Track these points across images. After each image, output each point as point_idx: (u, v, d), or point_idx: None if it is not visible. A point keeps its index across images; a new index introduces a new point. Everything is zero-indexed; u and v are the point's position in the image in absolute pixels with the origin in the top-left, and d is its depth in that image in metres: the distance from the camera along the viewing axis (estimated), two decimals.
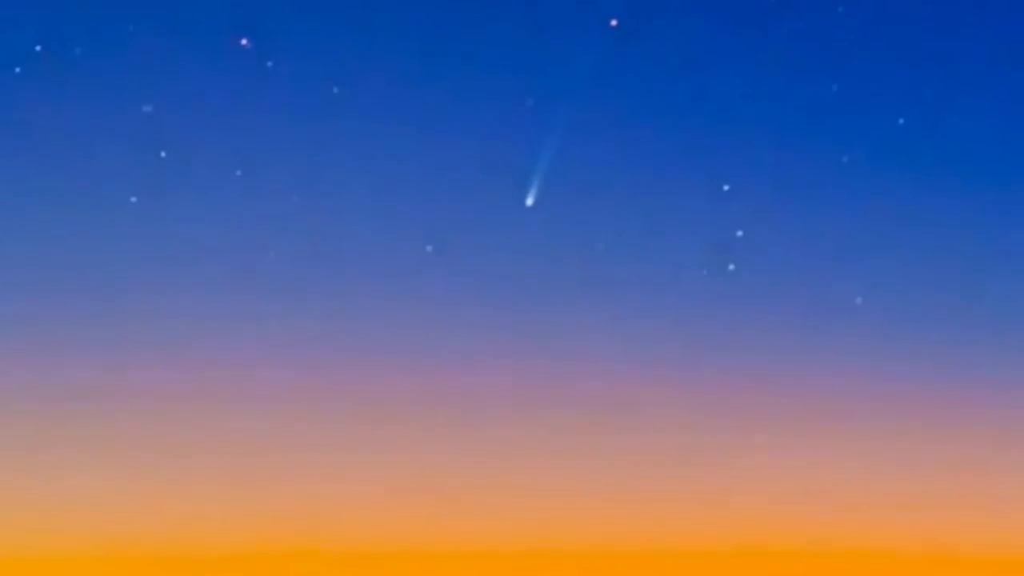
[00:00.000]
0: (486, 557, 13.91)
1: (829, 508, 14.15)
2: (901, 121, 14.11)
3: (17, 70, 13.18)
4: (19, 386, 13.66)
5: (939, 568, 13.96)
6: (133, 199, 13.45)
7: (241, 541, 13.62)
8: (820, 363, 14.40)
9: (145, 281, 13.79)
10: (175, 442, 13.75)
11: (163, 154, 13.38)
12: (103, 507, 13.67)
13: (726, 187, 13.98)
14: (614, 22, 13.35)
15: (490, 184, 13.99)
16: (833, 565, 14.00)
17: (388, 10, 13.71)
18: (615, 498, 14.13)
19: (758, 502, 14.10)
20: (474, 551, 13.90)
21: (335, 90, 13.57)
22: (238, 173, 13.64)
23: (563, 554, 14.00)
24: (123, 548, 13.51)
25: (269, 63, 13.40)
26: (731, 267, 13.96)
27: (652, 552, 13.99)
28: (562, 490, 14.16)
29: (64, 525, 13.52)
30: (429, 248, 13.90)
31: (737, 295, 14.12)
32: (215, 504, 13.72)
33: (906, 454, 14.28)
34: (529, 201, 13.56)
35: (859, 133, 14.22)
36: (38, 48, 13.16)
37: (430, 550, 13.88)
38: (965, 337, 14.45)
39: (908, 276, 14.44)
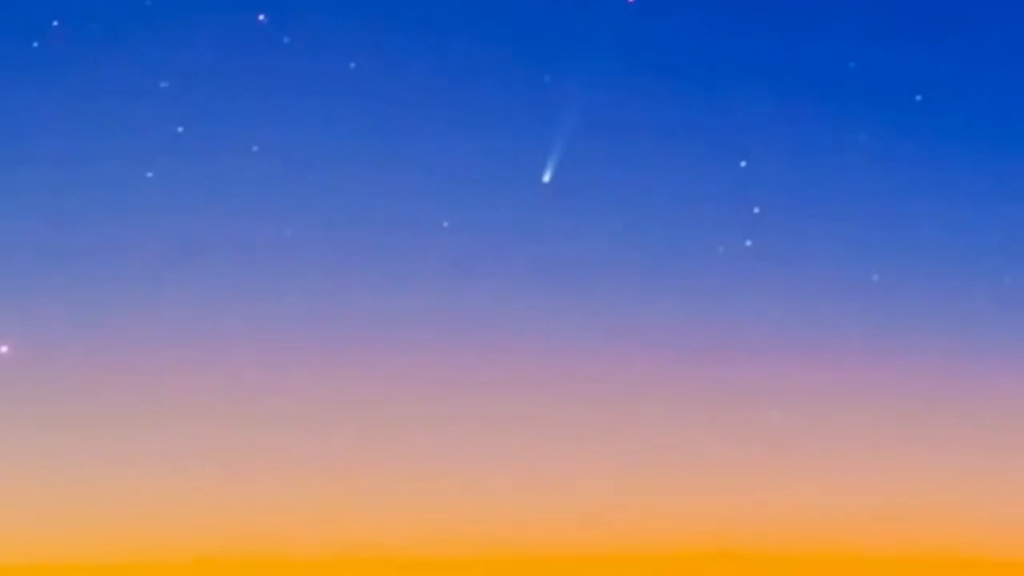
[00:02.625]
0: (488, 559, 13.90)
1: (842, 494, 14.16)
2: (919, 98, 14.14)
3: (34, 44, 13.23)
4: (20, 374, 13.65)
5: (957, 569, 13.95)
6: (149, 174, 13.49)
7: (247, 541, 13.67)
8: (836, 340, 14.40)
9: (160, 257, 13.81)
10: (184, 432, 13.75)
11: (180, 129, 13.43)
12: (114, 507, 13.69)
13: (743, 163, 14.03)
14: None
15: (507, 160, 14.02)
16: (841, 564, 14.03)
17: None
18: (629, 489, 14.16)
19: (769, 486, 14.12)
20: (477, 553, 13.89)
21: (352, 66, 13.60)
22: (255, 149, 13.68)
23: (573, 556, 14.05)
24: (124, 549, 13.55)
25: (286, 39, 13.45)
26: (748, 243, 13.99)
27: (655, 550, 14.02)
28: (568, 482, 14.19)
29: (64, 527, 13.54)
30: (445, 224, 13.92)
31: (754, 271, 14.15)
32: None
33: (920, 435, 14.29)
34: (546, 178, 13.58)
35: (877, 110, 14.24)
36: (55, 23, 13.20)
37: (426, 549, 13.90)
38: (983, 315, 14.45)
39: (925, 253, 14.45)
